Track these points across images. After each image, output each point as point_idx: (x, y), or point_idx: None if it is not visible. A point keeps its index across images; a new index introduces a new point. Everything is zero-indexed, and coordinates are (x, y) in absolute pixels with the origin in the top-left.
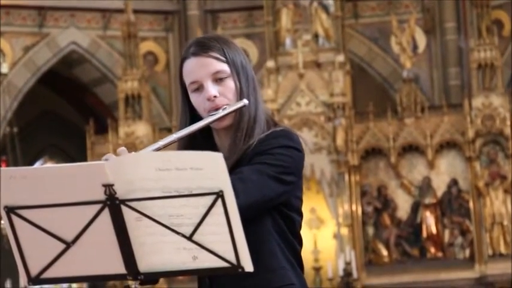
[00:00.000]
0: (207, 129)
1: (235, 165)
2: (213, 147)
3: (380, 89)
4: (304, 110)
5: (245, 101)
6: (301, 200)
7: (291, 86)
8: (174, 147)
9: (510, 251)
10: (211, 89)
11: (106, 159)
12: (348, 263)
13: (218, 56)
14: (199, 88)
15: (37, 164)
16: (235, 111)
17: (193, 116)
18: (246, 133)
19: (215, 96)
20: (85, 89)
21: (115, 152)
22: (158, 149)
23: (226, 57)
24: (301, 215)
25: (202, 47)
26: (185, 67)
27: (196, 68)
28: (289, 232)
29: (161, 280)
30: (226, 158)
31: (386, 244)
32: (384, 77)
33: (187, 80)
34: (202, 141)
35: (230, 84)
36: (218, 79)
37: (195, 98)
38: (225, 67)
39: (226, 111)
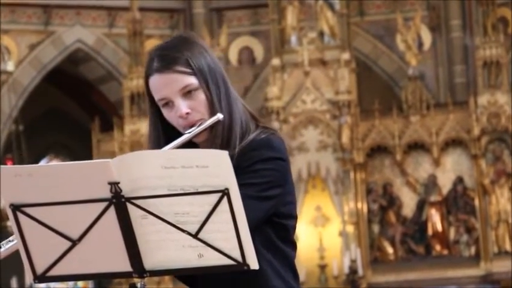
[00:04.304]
0: (189, 141)
1: None
2: None
3: (385, 87)
4: (310, 107)
5: (219, 116)
6: (292, 203)
7: (297, 83)
8: None
9: None
10: (182, 106)
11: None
12: (353, 261)
13: (183, 69)
14: (169, 103)
15: (42, 162)
16: (209, 126)
17: (166, 127)
18: (222, 145)
19: (187, 113)
20: (90, 86)
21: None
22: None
23: (192, 68)
24: (294, 217)
25: (165, 62)
26: (151, 84)
27: (163, 85)
28: (281, 241)
29: (166, 278)
30: None
31: (391, 242)
32: (389, 75)
33: (155, 97)
34: None
35: (200, 96)
36: (187, 92)
37: (167, 113)
38: (192, 80)
39: (201, 128)
